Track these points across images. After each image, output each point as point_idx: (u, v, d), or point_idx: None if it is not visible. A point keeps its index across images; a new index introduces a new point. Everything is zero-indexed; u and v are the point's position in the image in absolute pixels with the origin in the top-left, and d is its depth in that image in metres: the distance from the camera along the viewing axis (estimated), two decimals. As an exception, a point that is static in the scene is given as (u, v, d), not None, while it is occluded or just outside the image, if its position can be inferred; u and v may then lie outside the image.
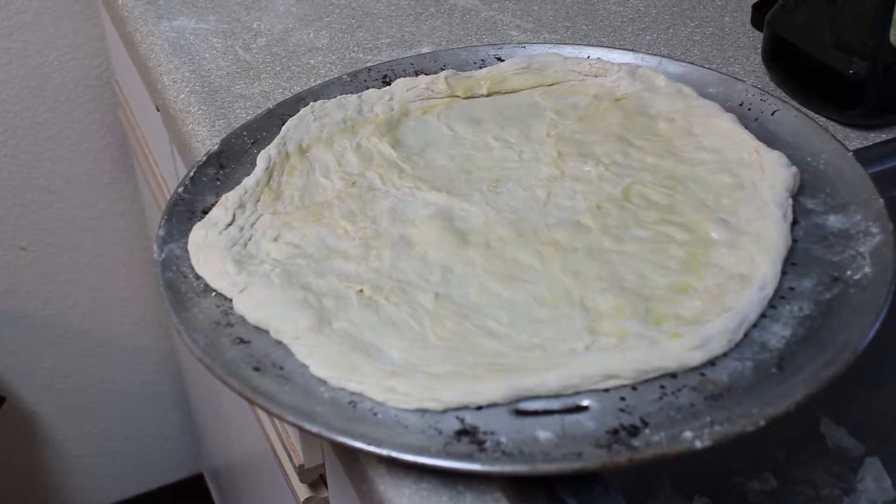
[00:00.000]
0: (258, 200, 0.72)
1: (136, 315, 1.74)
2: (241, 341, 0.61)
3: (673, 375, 0.57)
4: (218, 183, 0.74)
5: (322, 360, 0.59)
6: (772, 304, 0.61)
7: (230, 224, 0.69)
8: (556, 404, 0.56)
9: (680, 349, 0.57)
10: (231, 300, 0.64)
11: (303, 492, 0.88)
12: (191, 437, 1.90)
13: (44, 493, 1.84)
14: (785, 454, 0.75)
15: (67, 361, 1.72)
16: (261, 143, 0.78)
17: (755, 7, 0.99)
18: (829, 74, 0.82)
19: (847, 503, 0.73)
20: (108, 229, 1.64)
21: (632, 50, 0.86)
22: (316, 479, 0.86)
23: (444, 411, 0.55)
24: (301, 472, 0.85)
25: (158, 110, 0.99)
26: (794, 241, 0.66)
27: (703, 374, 0.57)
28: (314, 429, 0.54)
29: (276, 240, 0.68)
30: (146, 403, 1.85)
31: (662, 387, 0.57)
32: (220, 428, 1.46)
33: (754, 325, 0.60)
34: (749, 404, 0.54)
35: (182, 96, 0.91)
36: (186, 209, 0.72)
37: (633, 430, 0.53)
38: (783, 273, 0.63)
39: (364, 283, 0.64)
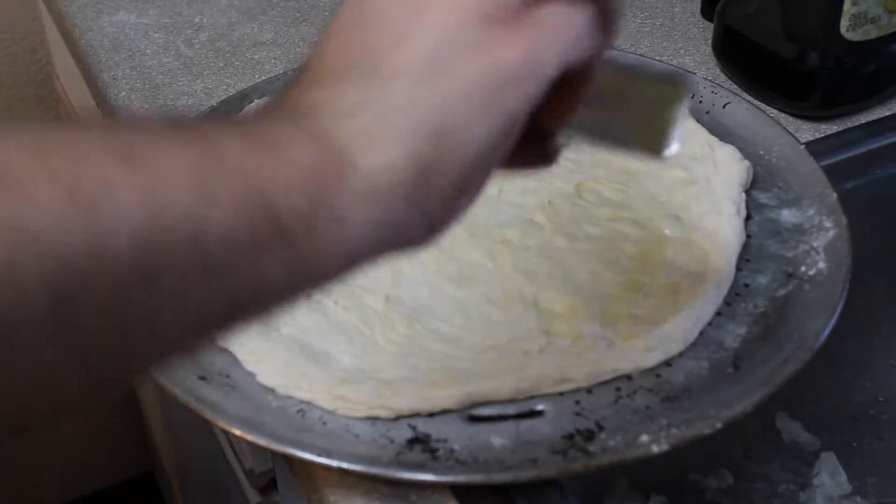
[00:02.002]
0: (202, 202, 0.70)
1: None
2: (186, 349, 0.59)
3: (628, 377, 0.56)
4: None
5: (269, 367, 0.57)
6: (727, 302, 0.61)
7: (173, 227, 0.67)
8: (510, 409, 0.55)
9: (635, 350, 0.57)
10: (175, 306, 0.62)
11: (254, 496, 0.86)
12: (140, 434, 1.88)
13: (-15, 496, 1.81)
14: (741, 450, 0.75)
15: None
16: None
17: (705, -3, 0.98)
18: (781, 66, 0.81)
19: (803, 498, 0.72)
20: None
21: (582, 42, 0.85)
22: (267, 483, 0.85)
23: (396, 419, 0.54)
24: (250, 476, 0.83)
25: (99, 108, 0.97)
26: (748, 236, 0.65)
27: (658, 376, 0.56)
28: (262, 441, 0.52)
29: (220, 242, 0.66)
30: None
31: (618, 389, 0.56)
32: (170, 427, 1.44)
33: (709, 324, 0.59)
34: (706, 405, 0.53)
35: (123, 93, 0.88)
36: (128, 212, 0.69)
37: (589, 435, 0.53)
38: (738, 269, 0.63)
39: (312, 287, 0.62)
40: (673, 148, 0.43)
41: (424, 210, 0.37)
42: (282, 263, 0.34)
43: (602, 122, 0.44)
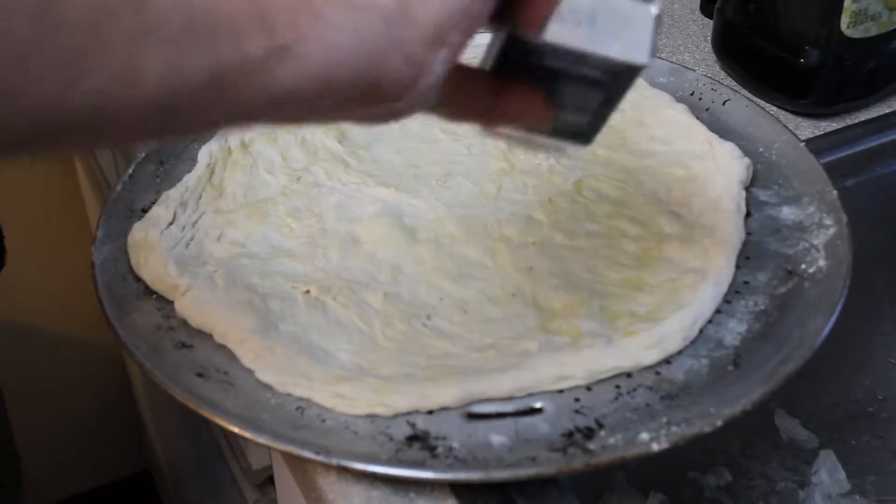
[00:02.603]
0: (200, 198, 0.69)
1: (78, 309, 1.70)
2: (184, 346, 0.59)
3: (628, 375, 0.56)
4: (158, 180, 0.72)
5: (268, 364, 0.57)
6: (727, 300, 0.60)
7: (171, 223, 0.67)
8: (509, 407, 0.54)
9: (635, 348, 0.56)
10: (173, 303, 0.62)
11: (251, 493, 0.86)
12: (136, 432, 1.88)
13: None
14: (740, 448, 0.75)
15: (5, 356, 1.68)
16: (201, 139, 0.75)
17: (704, -6, 0.98)
18: (781, 63, 0.81)
19: (802, 496, 0.72)
20: (48, 224, 1.60)
21: (581, 39, 0.85)
22: (265, 481, 0.85)
23: (395, 416, 0.54)
24: (248, 473, 0.83)
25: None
26: (748, 233, 0.65)
27: (658, 373, 0.56)
28: (261, 439, 0.52)
29: (219, 239, 0.66)
30: (89, 398, 1.81)
31: (618, 387, 0.55)
32: (167, 424, 1.44)
33: (709, 322, 0.59)
34: (706, 404, 0.53)
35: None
36: (125, 208, 0.69)
37: (589, 433, 0.52)
38: (737, 267, 0.63)
39: (311, 284, 0.62)
40: (640, 57, 0.44)
41: (401, 43, 0.39)
42: (263, 49, 0.36)
43: (576, 30, 0.44)
